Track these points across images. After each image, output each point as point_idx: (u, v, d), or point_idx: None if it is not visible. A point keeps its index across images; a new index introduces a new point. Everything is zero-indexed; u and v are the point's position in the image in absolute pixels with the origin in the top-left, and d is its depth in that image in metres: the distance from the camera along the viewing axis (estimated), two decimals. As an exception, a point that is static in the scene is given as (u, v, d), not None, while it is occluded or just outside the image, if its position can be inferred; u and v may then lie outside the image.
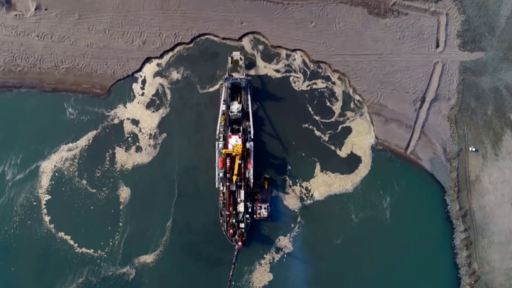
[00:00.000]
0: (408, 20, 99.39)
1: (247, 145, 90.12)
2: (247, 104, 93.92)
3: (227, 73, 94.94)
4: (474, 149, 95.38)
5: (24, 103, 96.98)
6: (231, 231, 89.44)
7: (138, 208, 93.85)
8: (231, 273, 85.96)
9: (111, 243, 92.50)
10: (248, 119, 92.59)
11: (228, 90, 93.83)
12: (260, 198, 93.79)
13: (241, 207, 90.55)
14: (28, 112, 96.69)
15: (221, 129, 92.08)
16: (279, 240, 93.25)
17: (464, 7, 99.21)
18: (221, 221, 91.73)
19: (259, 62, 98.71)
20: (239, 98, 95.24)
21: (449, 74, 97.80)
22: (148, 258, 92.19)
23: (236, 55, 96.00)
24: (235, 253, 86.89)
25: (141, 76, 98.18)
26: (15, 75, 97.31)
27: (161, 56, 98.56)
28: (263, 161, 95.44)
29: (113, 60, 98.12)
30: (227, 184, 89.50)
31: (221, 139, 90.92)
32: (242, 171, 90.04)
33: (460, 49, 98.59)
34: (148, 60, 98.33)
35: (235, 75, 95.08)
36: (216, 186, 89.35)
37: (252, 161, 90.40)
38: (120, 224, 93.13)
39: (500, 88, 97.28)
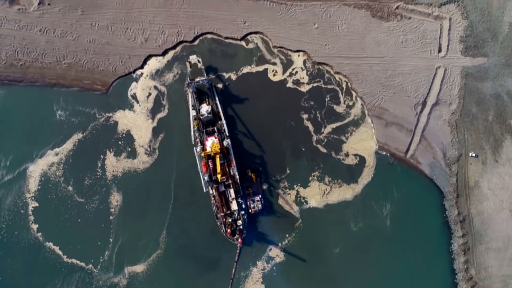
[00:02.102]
0: (411, 24, 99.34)
1: (224, 143, 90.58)
2: (216, 104, 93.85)
3: (188, 78, 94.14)
4: (474, 155, 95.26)
5: (15, 103, 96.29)
6: (229, 230, 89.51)
7: (132, 215, 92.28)
8: (233, 271, 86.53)
9: (101, 259, 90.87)
10: (220, 118, 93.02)
11: (194, 95, 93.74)
12: (251, 192, 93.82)
13: (234, 205, 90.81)
14: (18, 112, 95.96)
15: (196, 134, 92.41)
16: (271, 249, 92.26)
17: (467, 13, 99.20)
18: (218, 223, 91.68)
19: (280, 71, 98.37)
20: (207, 100, 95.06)
21: (451, 79, 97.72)
22: (143, 267, 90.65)
23: (193, 58, 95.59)
24: (237, 251, 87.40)
25: (139, 75, 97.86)
26: (16, 69, 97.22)
27: (163, 54, 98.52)
28: (255, 160, 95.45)
29: (115, 57, 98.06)
30: (215, 186, 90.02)
31: (199, 144, 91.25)
32: (227, 170, 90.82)
33: (462, 54, 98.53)
34: (149, 57, 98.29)
35: (197, 78, 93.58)
36: (204, 190, 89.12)
37: (233, 158, 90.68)
38: (111, 234, 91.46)
39: (502, 94, 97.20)
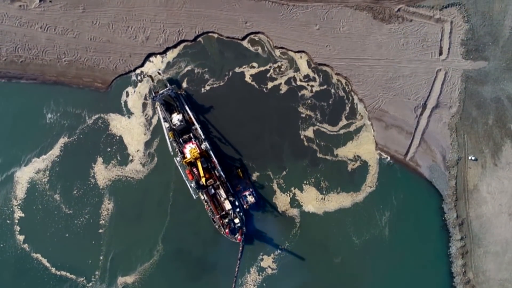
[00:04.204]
0: (412, 26, 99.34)
1: (203, 146, 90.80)
2: (186, 111, 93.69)
3: (152, 92, 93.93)
4: (473, 158, 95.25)
5: (6, 102, 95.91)
6: (227, 230, 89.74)
7: (128, 222, 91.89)
8: (236, 269, 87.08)
9: (92, 278, 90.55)
10: (193, 124, 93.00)
11: (163, 107, 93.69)
12: (241, 188, 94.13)
13: (227, 205, 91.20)
14: (9, 113, 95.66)
15: (174, 145, 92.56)
16: (263, 259, 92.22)
17: (469, 16, 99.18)
18: (216, 226, 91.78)
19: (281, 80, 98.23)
20: (176, 109, 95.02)
21: (451, 82, 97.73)
22: (137, 277, 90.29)
23: (153, 72, 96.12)
24: (240, 248, 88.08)
25: (139, 73, 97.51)
26: (17, 66, 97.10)
27: (164, 53, 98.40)
28: (238, 156, 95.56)
29: (115, 55, 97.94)
30: (204, 190, 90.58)
31: (179, 154, 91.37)
32: (212, 172, 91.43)
33: (463, 58, 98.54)
34: (150, 56, 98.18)
35: (160, 90, 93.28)
36: (194, 197, 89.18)
37: (215, 159, 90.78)
38: (101, 252, 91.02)
39: (502, 98, 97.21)
